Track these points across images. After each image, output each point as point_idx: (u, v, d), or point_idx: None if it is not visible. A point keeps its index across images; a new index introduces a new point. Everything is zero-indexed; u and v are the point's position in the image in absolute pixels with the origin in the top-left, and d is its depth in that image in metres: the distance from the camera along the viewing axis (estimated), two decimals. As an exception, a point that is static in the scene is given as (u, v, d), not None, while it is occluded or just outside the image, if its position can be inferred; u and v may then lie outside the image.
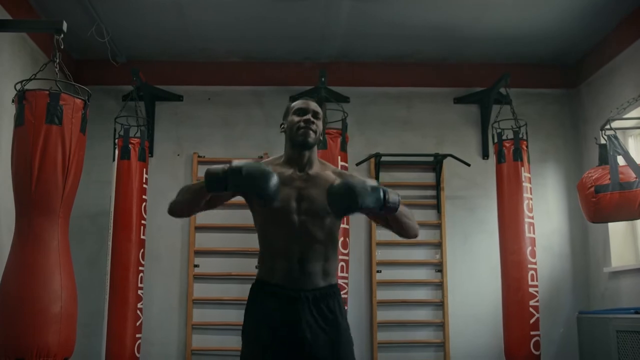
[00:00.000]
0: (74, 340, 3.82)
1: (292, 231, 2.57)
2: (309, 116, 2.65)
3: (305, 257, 2.56)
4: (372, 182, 2.46)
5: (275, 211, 2.57)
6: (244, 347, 2.63)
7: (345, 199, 2.41)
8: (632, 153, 5.71)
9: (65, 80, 4.18)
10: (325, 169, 2.73)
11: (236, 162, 2.40)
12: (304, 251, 2.57)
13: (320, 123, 2.69)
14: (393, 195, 2.49)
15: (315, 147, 2.71)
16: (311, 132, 2.64)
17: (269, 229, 2.64)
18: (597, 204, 4.60)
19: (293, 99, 6.14)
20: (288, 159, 2.71)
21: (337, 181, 2.54)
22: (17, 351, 3.56)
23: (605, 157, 4.79)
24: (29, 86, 3.99)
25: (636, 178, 4.54)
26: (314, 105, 2.69)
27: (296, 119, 2.66)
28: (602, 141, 4.88)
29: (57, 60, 4.05)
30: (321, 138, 2.74)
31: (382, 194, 2.44)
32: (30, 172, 3.73)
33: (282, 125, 2.74)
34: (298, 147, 2.66)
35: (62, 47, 4.13)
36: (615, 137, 4.76)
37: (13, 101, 3.95)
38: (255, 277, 2.71)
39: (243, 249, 5.95)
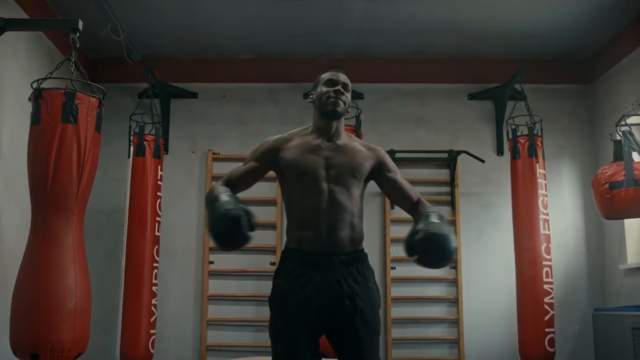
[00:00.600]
0: (87, 336, 3.86)
1: (320, 199, 2.61)
2: (339, 87, 2.70)
3: (333, 225, 2.59)
4: (449, 232, 2.49)
5: (303, 180, 2.63)
6: (273, 314, 2.66)
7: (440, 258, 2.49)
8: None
9: (81, 79, 4.22)
10: (353, 141, 2.79)
11: (211, 224, 2.42)
12: (331, 219, 2.59)
13: (349, 95, 2.74)
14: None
15: (343, 119, 2.76)
16: (340, 102, 2.69)
17: (298, 197, 2.66)
18: (612, 200, 4.58)
19: (306, 95, 6.18)
20: (316, 128, 2.75)
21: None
22: (32, 347, 3.60)
23: (620, 153, 4.76)
24: (45, 84, 4.02)
25: (651, 174, 4.52)
26: (343, 77, 2.75)
27: (325, 89, 2.71)
28: (617, 137, 4.85)
29: (73, 59, 4.08)
30: (349, 110, 2.79)
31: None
32: (45, 171, 3.77)
33: (311, 96, 2.78)
34: (327, 116, 2.71)
35: (78, 45, 4.16)
36: (630, 133, 4.73)
37: (29, 100, 3.99)
38: (280, 251, 2.76)
39: (258, 246, 5.97)
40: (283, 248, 2.74)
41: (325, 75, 2.76)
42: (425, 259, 2.49)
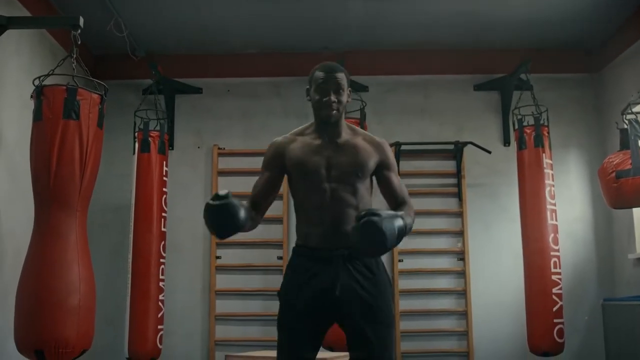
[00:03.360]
0: (92, 332, 3.86)
1: (323, 198, 2.65)
2: (330, 97, 2.65)
3: (338, 221, 2.64)
4: (398, 222, 2.41)
5: (306, 180, 2.69)
6: (281, 307, 2.73)
7: (377, 245, 2.39)
8: (656, 137, 5.63)
9: (83, 76, 4.22)
10: (356, 136, 2.77)
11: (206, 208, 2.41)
12: (336, 215, 2.64)
13: (344, 94, 2.69)
14: (408, 224, 2.53)
15: (342, 116, 2.74)
16: (333, 111, 2.66)
17: (303, 197, 2.72)
18: (619, 190, 4.54)
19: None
20: (317, 128, 2.76)
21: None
22: (36, 343, 3.61)
23: (626, 141, 4.71)
24: (48, 81, 4.03)
25: (658, 162, 4.48)
26: (335, 79, 2.67)
27: (317, 97, 2.68)
28: (624, 126, 4.81)
29: (75, 56, 4.08)
30: (349, 100, 2.76)
31: (403, 230, 2.44)
32: (48, 167, 3.77)
33: (307, 96, 2.76)
34: (323, 122, 2.71)
35: (80, 42, 4.16)
36: (637, 122, 4.68)
37: (31, 97, 4.00)
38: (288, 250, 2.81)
39: (265, 240, 5.98)
40: (294, 244, 2.80)
41: (318, 76, 2.69)
42: (359, 243, 2.42)
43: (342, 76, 2.70)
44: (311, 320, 2.65)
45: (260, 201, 2.75)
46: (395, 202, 2.78)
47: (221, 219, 2.40)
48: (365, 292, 2.61)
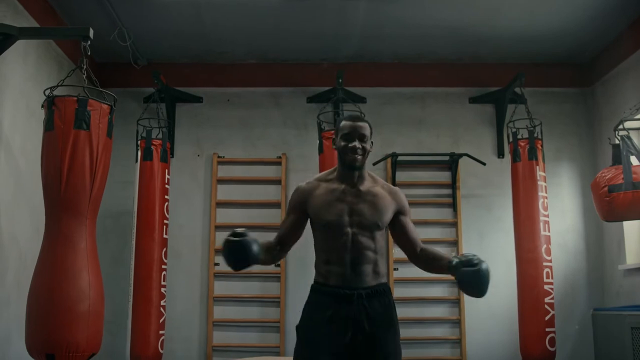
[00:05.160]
0: (101, 336, 3.94)
1: (345, 242, 2.81)
2: (355, 143, 2.82)
3: (357, 263, 2.80)
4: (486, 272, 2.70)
5: (330, 225, 2.83)
6: (298, 342, 2.85)
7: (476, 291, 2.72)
8: (648, 152, 5.76)
9: (93, 87, 4.30)
10: (375, 184, 2.93)
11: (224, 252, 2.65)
12: (355, 258, 2.80)
13: (368, 143, 2.87)
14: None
15: (365, 165, 2.90)
16: (358, 157, 2.83)
17: (324, 239, 2.87)
18: (611, 203, 4.66)
19: (310, 100, 6.31)
20: (340, 175, 2.91)
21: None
22: (48, 347, 3.69)
23: (618, 157, 4.84)
24: (56, 91, 4.10)
25: (649, 178, 4.60)
26: (360, 129, 2.85)
27: (343, 143, 2.85)
28: (616, 141, 4.93)
29: (85, 67, 4.15)
30: (371, 150, 2.92)
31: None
32: (59, 176, 3.85)
33: (334, 144, 2.93)
34: (347, 168, 2.86)
35: (89, 53, 4.24)
36: (629, 137, 4.81)
37: (42, 106, 4.08)
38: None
39: (262, 248, 6.05)
40: (313, 282, 2.93)
41: (344, 126, 2.87)
42: (469, 288, 2.75)
43: (366, 126, 2.87)
44: (330, 356, 2.76)
45: (285, 240, 2.97)
46: (414, 247, 2.96)
47: (237, 254, 2.62)
48: (380, 329, 2.78)
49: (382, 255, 2.90)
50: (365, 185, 2.89)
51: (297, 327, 2.87)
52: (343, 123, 2.89)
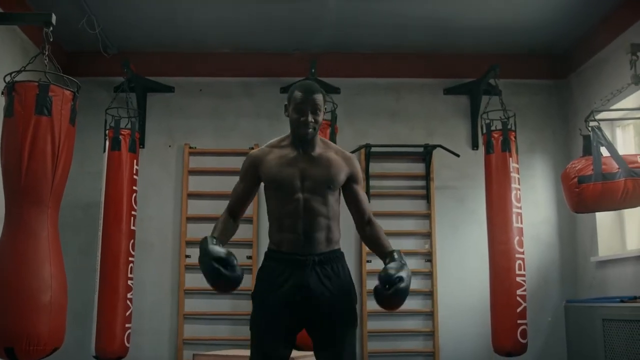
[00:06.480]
0: (64, 330, 3.84)
1: (296, 207, 2.81)
2: (307, 117, 2.79)
3: (309, 229, 2.81)
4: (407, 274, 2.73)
5: (281, 190, 2.83)
6: (254, 309, 2.88)
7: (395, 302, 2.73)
8: (620, 144, 5.76)
9: (55, 72, 4.21)
10: (329, 149, 2.93)
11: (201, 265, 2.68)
12: (307, 224, 2.81)
13: (320, 115, 2.84)
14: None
15: (317, 133, 2.89)
16: (309, 129, 2.81)
17: (277, 206, 2.87)
18: (580, 195, 4.64)
19: (283, 90, 6.22)
20: (292, 141, 2.90)
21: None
22: (6, 340, 3.58)
23: (589, 148, 4.82)
24: (19, 78, 4.01)
25: (619, 169, 4.59)
26: (313, 101, 2.81)
27: (295, 116, 2.81)
28: (587, 132, 4.92)
29: (47, 53, 4.06)
30: (323, 119, 2.92)
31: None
32: (19, 163, 3.75)
33: (286, 112, 2.89)
34: (298, 140, 2.85)
35: (52, 39, 4.14)
36: (599, 129, 4.79)
37: (2, 93, 3.98)
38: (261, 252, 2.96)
39: (234, 240, 5.86)
40: (266, 249, 2.95)
41: (296, 97, 2.81)
42: (388, 305, 2.77)
43: (319, 97, 2.83)
44: (285, 319, 2.79)
45: (237, 209, 2.98)
46: (362, 217, 2.99)
47: (225, 287, 2.70)
48: (332, 294, 2.80)
49: (336, 221, 2.91)
50: (317, 151, 2.89)
51: (252, 295, 2.88)
52: (295, 93, 2.83)
